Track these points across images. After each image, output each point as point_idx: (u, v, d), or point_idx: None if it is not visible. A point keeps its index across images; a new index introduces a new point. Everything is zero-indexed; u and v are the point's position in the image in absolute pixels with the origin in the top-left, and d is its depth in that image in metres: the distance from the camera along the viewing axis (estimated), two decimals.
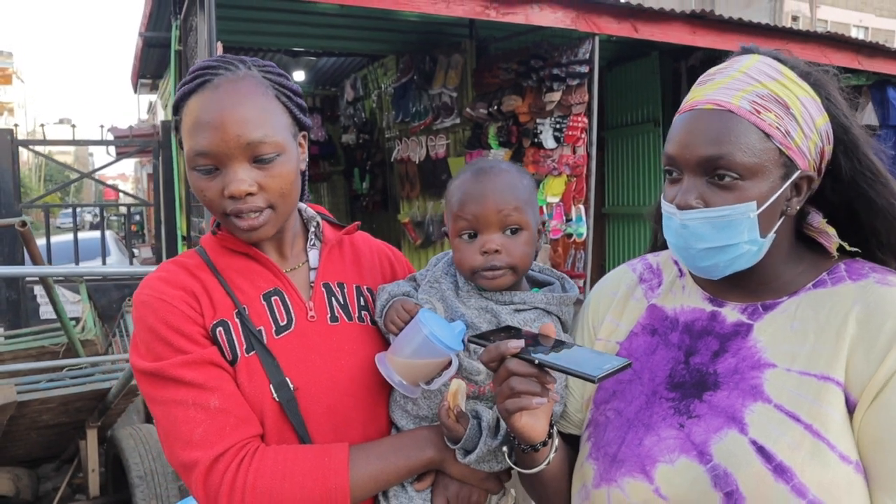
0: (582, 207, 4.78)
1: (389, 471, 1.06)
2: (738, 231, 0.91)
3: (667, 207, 0.97)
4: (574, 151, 4.75)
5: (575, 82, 4.55)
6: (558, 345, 0.89)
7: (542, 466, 0.96)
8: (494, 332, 0.96)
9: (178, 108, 1.09)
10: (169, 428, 1.04)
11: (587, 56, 4.44)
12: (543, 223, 1.24)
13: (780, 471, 0.84)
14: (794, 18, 25.57)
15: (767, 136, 0.90)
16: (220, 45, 3.31)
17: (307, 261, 1.20)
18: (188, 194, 4.68)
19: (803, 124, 0.91)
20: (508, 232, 1.09)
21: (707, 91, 0.94)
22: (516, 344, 0.87)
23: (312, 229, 1.22)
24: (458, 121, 5.76)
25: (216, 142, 1.02)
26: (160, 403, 1.05)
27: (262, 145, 1.04)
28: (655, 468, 0.91)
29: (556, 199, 4.84)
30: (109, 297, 5.55)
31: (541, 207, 5.06)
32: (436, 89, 5.80)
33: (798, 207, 0.95)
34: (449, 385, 1.04)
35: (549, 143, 4.84)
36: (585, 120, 4.60)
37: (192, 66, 4.17)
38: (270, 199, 1.06)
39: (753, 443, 0.86)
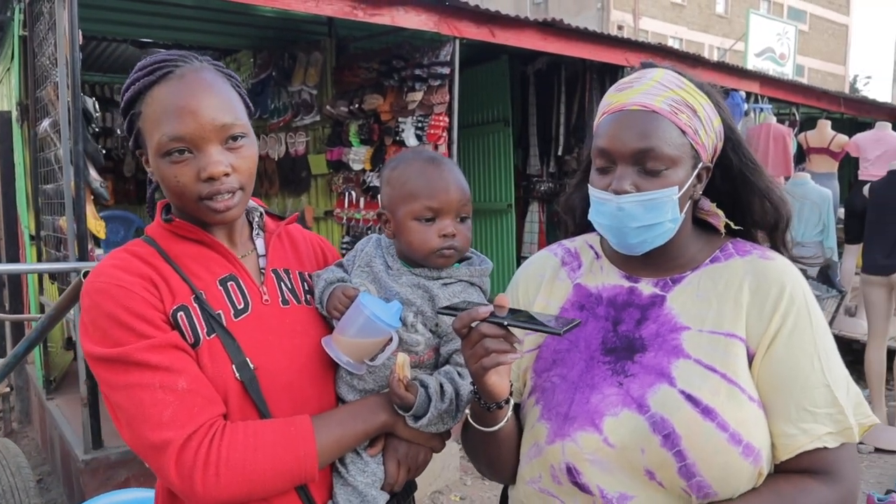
0: None
1: (349, 435, 1.15)
2: (663, 211, 1.09)
3: (600, 195, 1.13)
4: (436, 149, 4.92)
5: (437, 83, 4.72)
6: (514, 311, 1.03)
7: (502, 423, 1.10)
8: (454, 305, 1.08)
9: (135, 101, 1.12)
10: (135, 412, 1.07)
11: (448, 58, 4.62)
12: None
13: (706, 412, 1.02)
14: (620, 27, 27.58)
15: (683, 132, 1.09)
16: (80, 35, 3.15)
17: (255, 249, 1.26)
18: (36, 191, 4.37)
19: (706, 124, 1.11)
20: (459, 219, 1.22)
21: (630, 95, 1.11)
22: (486, 309, 1.00)
23: (256, 219, 1.28)
24: (318, 118, 5.76)
25: (192, 126, 1.07)
26: (123, 388, 1.07)
27: (233, 127, 1.10)
28: (603, 421, 1.07)
29: None
30: None
31: None
32: (295, 86, 5.76)
33: (700, 194, 1.16)
34: (391, 360, 1.15)
35: (411, 140, 4.98)
36: (446, 119, 4.78)
37: (40, 52, 3.88)
38: (241, 180, 1.13)
39: (682, 392, 1.04)
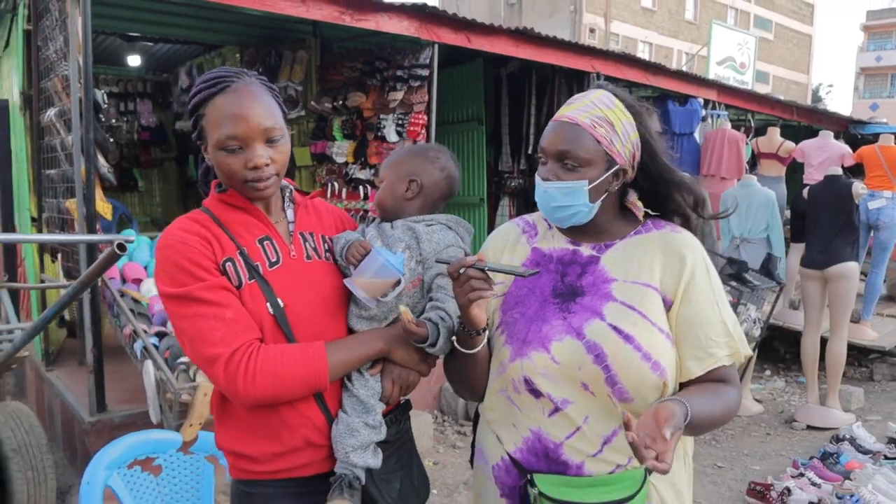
0: None
1: (353, 357, 1.52)
2: (575, 197, 1.49)
3: (538, 181, 1.53)
4: (415, 145, 5.30)
5: (417, 83, 5.10)
6: (491, 265, 1.40)
7: (480, 347, 1.48)
8: (447, 259, 1.45)
9: (200, 105, 1.48)
10: (195, 334, 1.43)
11: (427, 61, 5.00)
12: None
13: (627, 338, 1.42)
14: (592, 31, 28.14)
15: (598, 142, 1.48)
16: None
17: (286, 217, 1.63)
18: (38, 175, 4.65)
19: (622, 137, 1.50)
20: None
21: (567, 110, 1.51)
22: (472, 259, 1.38)
23: (287, 194, 1.65)
24: (302, 113, 6.09)
25: (243, 128, 1.43)
26: (187, 317, 1.44)
27: (273, 130, 1.47)
28: (551, 344, 1.47)
29: None
30: None
31: None
32: (281, 82, 6.09)
33: (617, 188, 1.55)
34: (396, 299, 1.53)
35: (392, 136, 5.35)
36: (425, 117, 5.16)
37: (45, 46, 4.15)
38: (277, 168, 1.49)
39: (610, 325, 1.44)
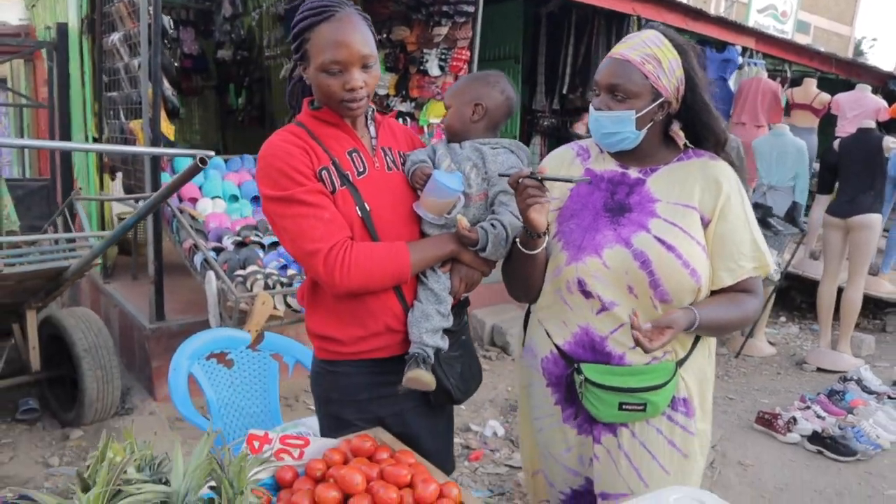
0: None
1: (430, 256, 1.76)
2: (623, 125, 1.70)
3: (591, 110, 1.74)
4: (456, 79, 5.45)
5: (461, 20, 5.21)
6: (545, 175, 1.62)
7: (540, 248, 1.71)
8: (508, 173, 1.68)
9: (305, 30, 1.68)
10: (297, 232, 1.67)
11: None
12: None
13: (669, 248, 1.66)
14: None
15: (646, 76, 1.68)
16: None
17: (369, 132, 1.84)
18: (99, 97, 4.88)
19: (668, 73, 1.69)
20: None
21: (620, 48, 1.71)
22: (528, 170, 1.60)
23: (369, 113, 1.86)
24: None
25: (345, 54, 1.64)
26: (289, 217, 1.67)
27: (369, 57, 1.68)
28: (603, 251, 1.70)
29: (437, 121, 5.54)
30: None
31: (422, 127, 5.74)
32: None
33: (661, 118, 1.74)
34: (456, 213, 1.76)
35: (435, 71, 5.50)
36: (468, 53, 5.29)
37: None
38: (368, 91, 1.71)
39: (655, 237, 1.67)
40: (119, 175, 4.66)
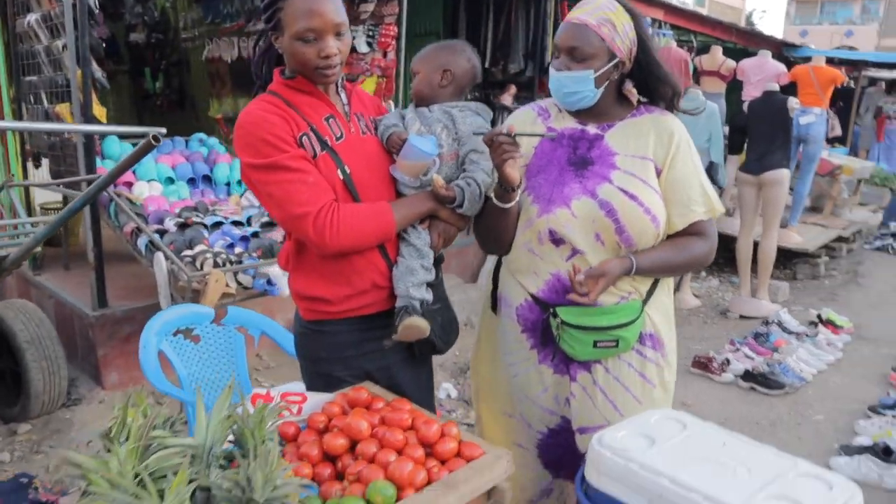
0: (391, 103, 5.57)
1: (411, 214, 1.84)
2: (583, 84, 1.83)
3: (552, 72, 1.86)
4: (385, 55, 5.49)
5: None
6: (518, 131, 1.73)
7: (514, 202, 1.82)
8: (482, 132, 1.78)
9: (277, 1, 1.72)
10: (283, 197, 1.73)
11: None
12: None
13: (632, 196, 1.79)
14: None
15: (602, 39, 1.81)
16: None
17: (341, 99, 1.90)
18: (17, 82, 4.66)
19: (622, 35, 1.82)
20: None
21: (577, 13, 1.83)
22: (500, 129, 1.71)
23: (339, 81, 1.91)
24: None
25: (319, 23, 1.69)
26: (274, 183, 1.73)
27: (342, 25, 1.74)
28: (571, 202, 1.83)
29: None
30: None
31: None
32: None
33: (616, 77, 1.88)
34: (431, 177, 1.85)
35: (363, 47, 5.51)
36: (396, 28, 5.34)
37: None
38: (342, 58, 1.77)
39: (618, 187, 1.81)
40: (45, 162, 4.49)
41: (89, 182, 3.80)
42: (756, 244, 5.98)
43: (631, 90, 1.96)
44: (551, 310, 1.88)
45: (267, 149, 1.72)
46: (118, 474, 1.12)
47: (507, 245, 1.96)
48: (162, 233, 3.89)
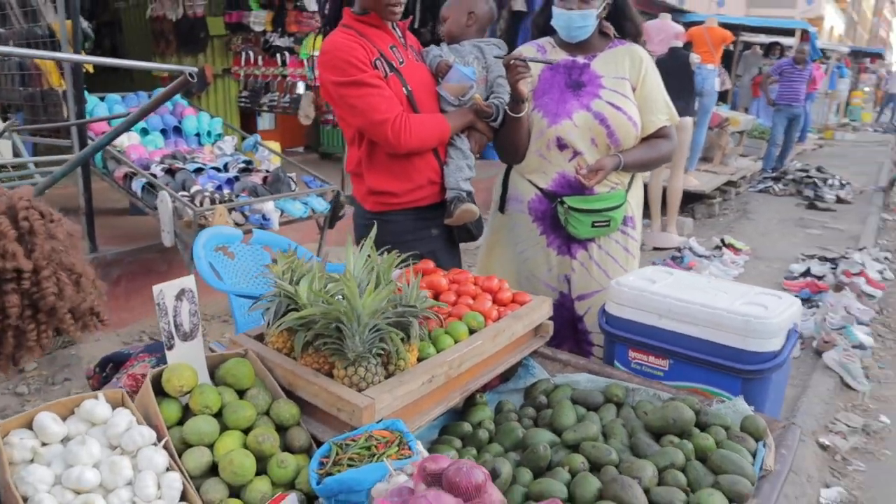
0: None
1: (459, 124, 2.35)
2: (587, 21, 2.38)
3: (562, 11, 2.38)
4: None
5: None
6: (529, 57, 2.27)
7: (524, 112, 2.36)
8: (501, 56, 2.32)
9: None
10: (367, 107, 2.19)
11: None
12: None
13: (618, 108, 2.37)
14: None
15: None
16: None
17: (398, 34, 2.37)
18: None
19: None
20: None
21: None
22: (514, 54, 2.25)
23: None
24: None
25: None
26: (358, 97, 2.19)
27: None
28: (572, 115, 2.39)
29: (318, 53, 5.92)
30: None
31: (303, 60, 6.08)
32: None
33: (603, 16, 2.44)
34: (471, 97, 2.37)
35: (312, 6, 5.84)
36: None
37: None
38: None
39: (607, 102, 2.38)
40: (20, 114, 4.63)
41: (80, 126, 4.06)
42: (664, 187, 6.79)
43: (609, 27, 2.53)
44: (559, 199, 2.45)
45: (351, 69, 2.18)
46: (315, 293, 1.59)
47: (521, 154, 2.51)
48: (153, 177, 4.18)
